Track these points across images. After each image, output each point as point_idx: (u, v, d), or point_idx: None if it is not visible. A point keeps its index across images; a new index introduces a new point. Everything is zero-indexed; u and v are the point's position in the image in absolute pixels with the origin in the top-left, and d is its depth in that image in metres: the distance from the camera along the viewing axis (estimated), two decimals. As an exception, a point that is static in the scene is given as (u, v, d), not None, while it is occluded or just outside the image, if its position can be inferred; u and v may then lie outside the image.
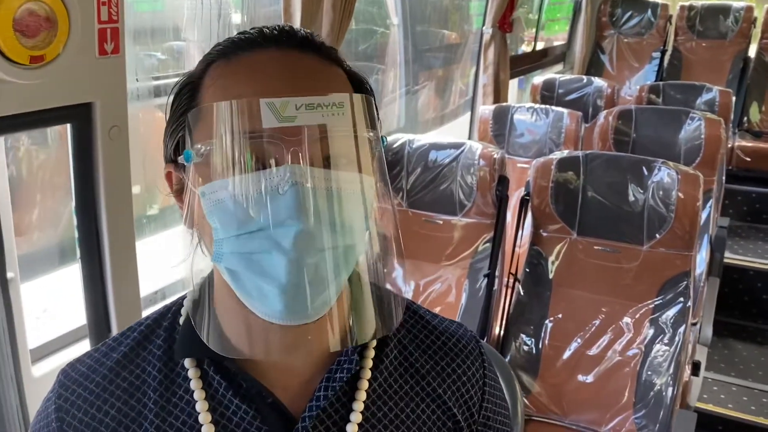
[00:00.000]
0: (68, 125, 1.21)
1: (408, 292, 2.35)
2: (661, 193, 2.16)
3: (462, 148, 2.37)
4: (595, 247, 2.25)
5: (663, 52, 5.26)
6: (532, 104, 3.36)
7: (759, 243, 4.17)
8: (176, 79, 0.67)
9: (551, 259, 2.28)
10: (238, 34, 0.66)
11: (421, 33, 3.96)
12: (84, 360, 0.70)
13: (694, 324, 2.53)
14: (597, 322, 2.18)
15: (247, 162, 0.57)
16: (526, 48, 5.20)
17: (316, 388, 0.66)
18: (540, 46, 5.38)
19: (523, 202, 2.35)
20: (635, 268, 2.19)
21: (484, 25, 3.78)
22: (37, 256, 1.81)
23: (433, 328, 0.77)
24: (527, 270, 2.30)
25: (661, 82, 4.16)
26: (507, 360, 2.21)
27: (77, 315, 1.38)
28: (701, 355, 2.53)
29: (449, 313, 2.29)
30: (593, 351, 2.16)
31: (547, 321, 2.23)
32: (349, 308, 0.65)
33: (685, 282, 2.12)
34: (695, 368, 2.38)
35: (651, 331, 2.11)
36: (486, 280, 2.27)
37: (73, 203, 1.27)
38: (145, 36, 1.85)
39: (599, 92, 3.92)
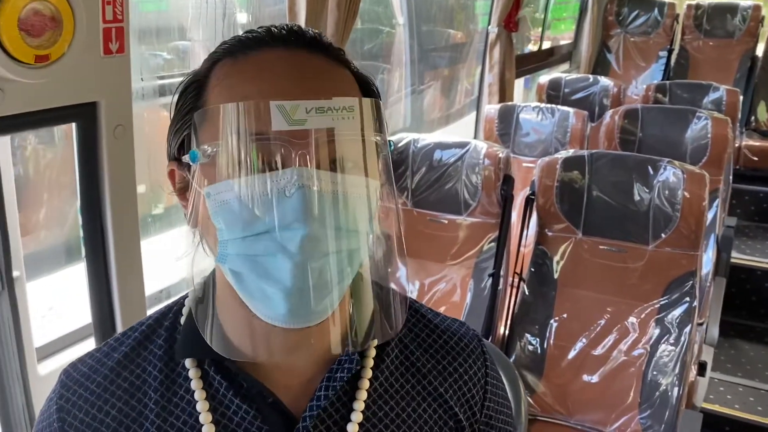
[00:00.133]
0: (73, 124, 1.22)
1: (413, 292, 2.35)
2: (666, 192, 2.15)
3: (467, 148, 2.37)
4: (601, 247, 2.24)
5: (670, 51, 5.25)
6: (538, 103, 3.36)
7: (767, 243, 4.14)
8: (181, 79, 0.67)
9: (556, 258, 2.27)
10: (246, 32, 0.65)
11: (426, 32, 3.96)
12: (85, 360, 0.70)
13: (701, 324, 2.52)
14: (602, 321, 2.18)
15: (254, 164, 0.56)
16: (532, 47, 5.19)
17: (316, 388, 0.65)
18: (546, 45, 5.37)
19: (528, 202, 2.35)
20: (641, 267, 2.18)
21: (489, 24, 3.78)
22: (44, 255, 1.82)
23: (434, 326, 0.76)
24: (532, 269, 2.30)
25: (667, 82, 4.14)
26: (512, 360, 2.20)
27: (83, 313, 1.38)
28: (708, 356, 2.52)
29: (454, 312, 2.29)
30: (598, 351, 2.16)
31: (552, 321, 2.22)
32: (351, 311, 0.64)
33: (691, 282, 2.11)
34: (701, 368, 2.38)
35: (656, 331, 2.10)
36: (491, 280, 2.27)
37: (78, 202, 1.27)
38: (151, 35, 1.85)
39: (605, 91, 3.90)
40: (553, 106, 3.27)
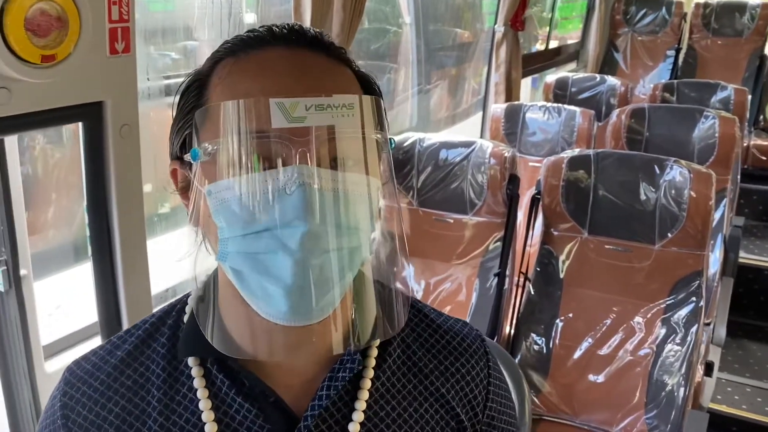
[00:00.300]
0: (80, 124, 1.22)
1: (418, 291, 2.35)
2: (673, 191, 2.14)
3: (473, 147, 2.37)
4: (607, 246, 2.24)
5: (678, 50, 5.22)
6: (544, 103, 3.35)
7: (775, 243, 4.12)
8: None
9: (562, 258, 2.27)
10: (247, 32, 0.65)
11: (433, 32, 3.96)
12: (89, 358, 0.70)
13: (708, 324, 2.51)
14: (608, 321, 2.17)
15: (254, 162, 0.57)
16: (539, 47, 5.18)
17: (318, 387, 0.66)
18: (553, 44, 5.35)
19: (534, 201, 2.35)
20: (647, 267, 2.18)
21: (496, 23, 3.77)
22: (52, 254, 1.83)
23: (437, 326, 0.76)
24: (538, 269, 2.30)
25: (675, 81, 4.12)
26: (517, 359, 2.20)
27: (90, 312, 1.39)
28: (714, 356, 2.51)
29: (459, 312, 2.29)
30: (604, 351, 2.15)
31: (557, 320, 2.22)
32: (353, 309, 0.64)
33: (698, 281, 2.11)
34: (708, 369, 2.37)
35: (663, 331, 2.09)
36: (496, 279, 2.27)
37: (85, 201, 1.28)
38: (157, 35, 1.86)
39: (612, 91, 3.89)
40: (560, 105, 3.26)
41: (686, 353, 2.03)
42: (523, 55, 4.01)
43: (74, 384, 0.68)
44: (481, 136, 3.89)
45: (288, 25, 0.64)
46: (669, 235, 2.15)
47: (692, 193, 2.11)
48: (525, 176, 2.82)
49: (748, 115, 4.00)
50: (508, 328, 2.31)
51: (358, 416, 0.66)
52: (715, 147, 2.94)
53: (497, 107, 3.39)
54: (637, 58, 5.34)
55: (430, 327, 0.76)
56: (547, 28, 5.18)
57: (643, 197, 2.19)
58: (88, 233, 1.30)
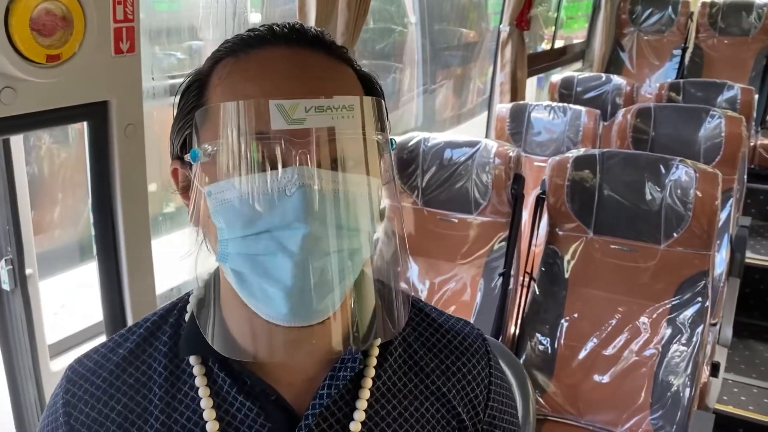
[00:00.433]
0: (84, 123, 1.23)
1: (423, 291, 2.35)
2: (678, 191, 2.13)
3: (477, 147, 2.36)
4: (612, 246, 2.23)
5: (684, 50, 5.20)
6: (550, 102, 3.34)
7: (782, 243, 4.10)
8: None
9: (567, 258, 2.26)
10: (248, 31, 0.65)
11: (438, 31, 3.96)
12: (91, 356, 0.71)
13: (714, 325, 2.50)
14: (613, 321, 2.16)
15: (254, 163, 0.57)
16: (545, 46, 5.17)
17: (319, 386, 0.66)
18: (559, 44, 5.34)
19: (539, 201, 2.34)
20: (652, 267, 2.17)
21: (501, 23, 3.77)
22: (58, 253, 1.84)
23: (438, 326, 0.76)
24: (543, 269, 2.29)
25: (681, 80, 4.11)
26: (522, 359, 2.20)
27: (95, 311, 1.40)
28: (721, 356, 2.50)
29: (464, 311, 2.29)
30: (609, 351, 2.14)
31: (562, 320, 2.21)
32: (354, 310, 0.64)
33: (704, 282, 2.10)
34: (714, 369, 2.36)
35: (668, 331, 2.09)
36: (501, 279, 2.26)
37: (90, 201, 1.28)
38: (162, 35, 1.87)
39: (618, 90, 3.88)
40: (565, 105, 3.25)
41: (692, 353, 2.02)
42: (529, 54, 4.01)
43: (76, 382, 0.68)
44: (487, 136, 3.89)
45: (289, 24, 0.64)
46: (675, 235, 2.14)
47: (698, 192, 2.10)
48: (530, 176, 2.81)
49: (755, 115, 3.98)
50: (512, 328, 2.31)
51: (360, 415, 0.66)
52: (722, 146, 2.92)
53: (502, 107, 3.38)
54: (643, 57, 5.32)
55: (432, 326, 0.76)
56: (553, 28, 5.17)
57: (648, 197, 2.18)
58: (93, 232, 1.30)
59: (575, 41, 5.64)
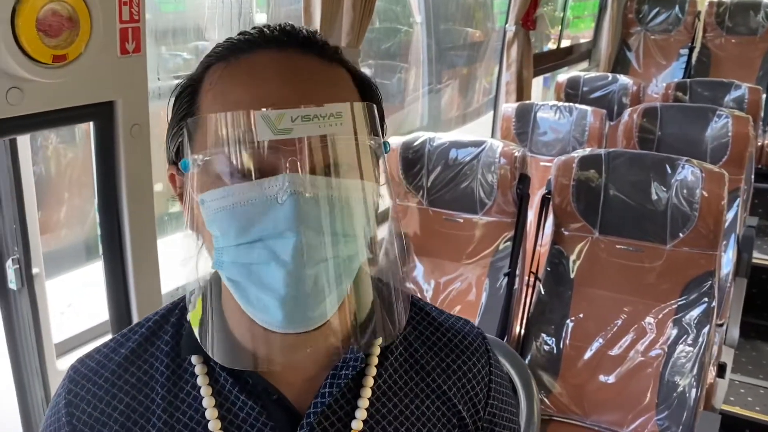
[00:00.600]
0: (91, 123, 1.23)
1: (428, 291, 2.35)
2: (684, 191, 2.12)
3: (483, 146, 2.36)
4: (618, 246, 2.22)
5: (691, 49, 5.17)
6: (556, 102, 3.34)
7: (789, 243, 4.08)
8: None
9: (573, 258, 2.26)
10: (238, 34, 0.64)
11: (444, 31, 3.95)
12: (93, 356, 0.71)
13: (720, 325, 2.49)
14: (619, 321, 2.16)
15: (244, 172, 0.57)
16: (551, 46, 5.16)
17: (321, 385, 0.66)
18: (565, 43, 5.33)
19: (545, 201, 2.34)
20: (658, 267, 2.16)
21: (507, 22, 3.76)
22: (64, 253, 1.85)
23: (439, 324, 0.76)
24: (548, 269, 2.29)
25: (688, 80, 4.09)
26: (527, 359, 2.20)
27: (101, 310, 1.41)
28: (727, 357, 2.49)
29: (469, 311, 2.29)
30: (615, 351, 2.14)
31: (568, 320, 2.21)
32: (352, 313, 0.64)
33: (710, 282, 2.09)
34: (721, 370, 2.35)
35: (674, 332, 2.08)
36: (506, 279, 2.26)
37: (96, 200, 1.29)
38: (168, 36, 1.87)
39: (624, 90, 3.87)
40: (571, 104, 3.25)
41: (698, 354, 2.02)
42: (535, 54, 4.00)
43: (78, 382, 0.69)
44: (492, 136, 3.88)
45: (279, 25, 0.64)
46: (681, 235, 2.14)
47: (704, 192, 2.09)
48: (536, 176, 2.81)
49: (762, 114, 3.96)
50: (518, 328, 2.31)
51: (361, 414, 0.66)
52: (729, 146, 2.91)
53: (508, 106, 3.38)
54: (650, 57, 5.30)
55: (432, 325, 0.76)
56: (559, 27, 5.16)
57: (654, 197, 2.17)
58: (99, 232, 1.31)
59: (581, 41, 5.62)
